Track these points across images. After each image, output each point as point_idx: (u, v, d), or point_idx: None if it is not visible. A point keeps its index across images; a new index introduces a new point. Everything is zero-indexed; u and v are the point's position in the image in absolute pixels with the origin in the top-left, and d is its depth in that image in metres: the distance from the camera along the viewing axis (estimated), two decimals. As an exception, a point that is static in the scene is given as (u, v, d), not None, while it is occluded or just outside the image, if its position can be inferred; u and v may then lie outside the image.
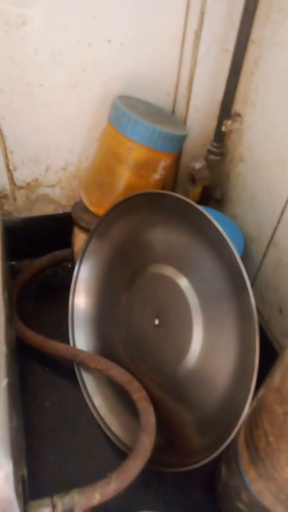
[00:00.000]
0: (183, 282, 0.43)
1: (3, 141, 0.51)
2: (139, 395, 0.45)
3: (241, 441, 0.34)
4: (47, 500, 0.35)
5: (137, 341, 0.48)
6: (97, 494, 0.36)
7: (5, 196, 0.57)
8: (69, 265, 0.67)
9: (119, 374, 0.47)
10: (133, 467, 0.38)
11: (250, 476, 0.32)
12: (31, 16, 0.42)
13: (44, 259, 0.63)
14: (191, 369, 0.42)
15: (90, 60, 0.47)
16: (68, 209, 0.62)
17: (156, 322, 0.46)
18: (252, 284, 0.53)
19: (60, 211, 0.62)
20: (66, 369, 0.54)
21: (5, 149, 0.52)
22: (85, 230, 0.54)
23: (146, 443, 0.40)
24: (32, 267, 0.62)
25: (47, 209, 0.62)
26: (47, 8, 0.42)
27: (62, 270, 0.67)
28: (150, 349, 0.47)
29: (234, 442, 0.36)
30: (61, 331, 0.56)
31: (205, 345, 0.41)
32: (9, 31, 0.43)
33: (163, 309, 0.45)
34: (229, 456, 0.38)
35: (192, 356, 0.42)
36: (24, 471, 0.39)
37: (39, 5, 0.42)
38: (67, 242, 0.61)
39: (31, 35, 0.44)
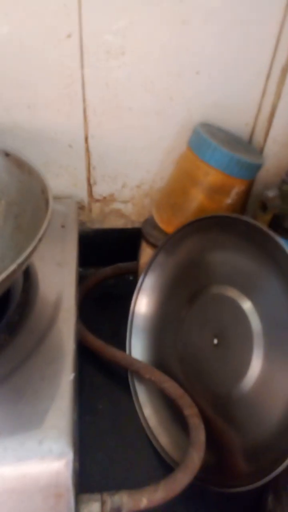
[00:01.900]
0: (247, 304, 0.44)
1: (89, 157, 0.55)
2: (190, 411, 0.46)
3: (294, 470, 0.34)
4: (97, 496, 0.36)
5: (193, 358, 0.49)
6: (145, 499, 0.37)
7: (82, 208, 0.62)
8: (131, 278, 0.70)
9: (172, 388, 0.48)
10: (181, 479, 0.39)
11: (301, 506, 0.32)
12: (129, 48, 0.47)
13: (109, 270, 0.66)
14: (246, 392, 0.43)
15: (178, 89, 0.51)
16: (137, 225, 0.66)
17: (215, 341, 0.47)
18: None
19: (129, 226, 0.66)
20: (120, 375, 0.56)
21: (89, 165, 0.56)
22: (152, 245, 0.57)
23: (195, 458, 0.41)
24: (96, 276, 0.66)
25: (118, 223, 0.66)
26: (144, 41, 0.47)
27: (124, 282, 0.70)
28: (206, 368, 0.48)
29: (285, 471, 0.36)
30: (118, 340, 0.58)
31: (264, 371, 0.42)
32: (109, 59, 0.47)
33: (224, 330, 0.46)
34: (278, 484, 0.38)
35: (249, 380, 0.43)
36: (77, 465, 0.41)
37: (138, 38, 0.46)
38: (131, 255, 0.64)
39: (127, 64, 0.48)
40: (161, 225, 0.55)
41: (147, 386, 0.53)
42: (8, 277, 0.28)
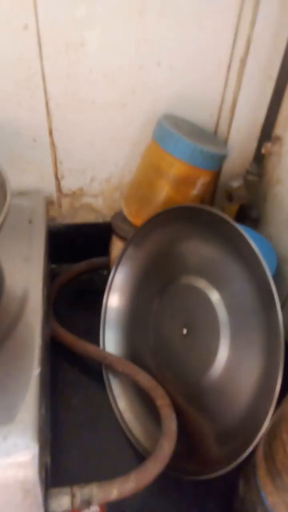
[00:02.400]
0: (214, 295, 0.45)
1: (55, 151, 0.55)
2: (162, 402, 0.46)
3: (260, 453, 0.34)
4: (66, 489, 0.36)
5: (164, 349, 0.50)
6: (115, 490, 0.37)
7: (51, 203, 0.61)
8: (105, 273, 0.70)
9: (145, 379, 0.48)
10: (152, 469, 0.39)
11: (267, 489, 0.33)
12: (89, 39, 0.46)
13: (82, 265, 0.66)
14: (215, 380, 0.43)
15: (140, 81, 0.51)
16: (108, 219, 0.65)
17: (185, 331, 0.47)
18: (284, 304, 0.53)
19: (100, 220, 0.66)
20: (94, 370, 0.56)
21: (55, 159, 0.56)
22: (123, 239, 0.57)
23: (166, 448, 0.41)
24: (70, 272, 0.65)
25: (89, 218, 0.65)
26: (103, 33, 0.46)
27: (98, 277, 0.70)
28: (176, 358, 0.48)
29: (253, 456, 0.37)
30: (92, 334, 0.58)
31: (231, 358, 0.42)
32: (68, 51, 0.47)
33: (192, 320, 0.47)
34: (248, 471, 0.39)
35: (217, 368, 0.43)
36: (48, 459, 0.41)
37: (97, 30, 0.46)
38: (104, 250, 0.64)
39: (88, 56, 0.48)
40: (130, 218, 0.55)
41: (121, 379, 0.54)
42: None
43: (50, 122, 0.52)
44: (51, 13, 0.43)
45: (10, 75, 0.47)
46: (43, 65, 0.47)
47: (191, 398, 0.46)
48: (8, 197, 0.35)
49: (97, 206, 0.64)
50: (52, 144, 0.54)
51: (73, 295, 0.68)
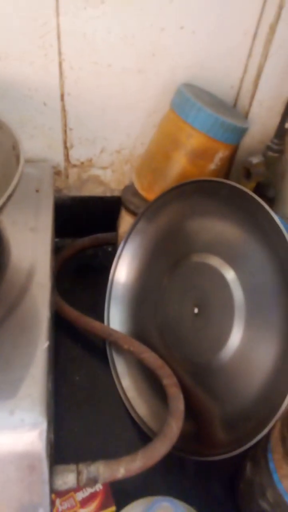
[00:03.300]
0: (229, 273, 0.43)
1: (65, 117, 0.52)
2: (169, 381, 0.44)
3: (276, 435, 0.33)
4: (72, 466, 0.35)
5: (173, 328, 0.48)
6: (122, 469, 0.36)
7: (58, 173, 0.59)
8: (109, 249, 0.68)
9: (151, 358, 0.47)
10: (160, 448, 0.38)
11: (282, 472, 0.32)
12: (110, -5, 0.43)
13: (87, 240, 0.64)
14: (227, 361, 0.42)
15: (160, 45, 0.48)
16: (116, 193, 0.63)
17: (196, 311, 0.45)
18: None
19: (108, 194, 0.63)
20: (97, 347, 0.54)
21: (65, 125, 0.53)
22: (132, 213, 0.55)
23: (174, 427, 0.40)
24: (74, 246, 0.63)
25: (96, 191, 0.63)
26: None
27: (102, 252, 0.68)
28: (186, 337, 0.46)
29: (265, 438, 0.36)
30: (96, 311, 0.56)
31: (245, 339, 0.41)
32: (87, 8, 0.43)
33: (204, 299, 0.45)
34: (257, 452, 0.38)
35: (230, 349, 0.42)
36: (52, 436, 0.40)
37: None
38: (110, 225, 0.62)
39: (107, 14, 0.44)
40: (142, 192, 0.53)
41: (125, 357, 0.52)
42: None
43: (63, 85, 0.49)
44: None
45: (23, 32, 0.44)
46: (59, 21, 0.44)
47: (199, 378, 0.45)
48: (21, 160, 0.33)
49: (105, 178, 0.61)
50: (63, 109, 0.51)
51: (76, 271, 0.66)
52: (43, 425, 0.31)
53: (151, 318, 0.51)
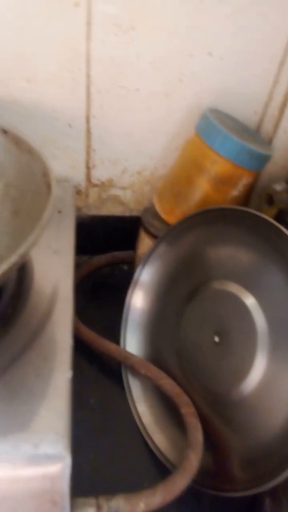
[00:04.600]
0: (251, 301, 0.43)
1: (89, 139, 0.52)
2: (187, 410, 0.44)
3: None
4: (92, 500, 0.34)
5: (192, 355, 0.48)
6: (142, 504, 0.35)
7: (78, 192, 0.59)
8: (126, 267, 0.68)
9: (169, 385, 0.46)
10: (179, 482, 0.37)
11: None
12: (140, 22, 0.43)
13: (103, 258, 0.64)
14: (248, 393, 0.41)
15: (188, 70, 0.48)
16: (135, 213, 0.63)
17: (216, 339, 0.45)
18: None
19: (127, 214, 0.63)
20: (113, 369, 0.54)
21: (89, 146, 0.53)
22: (152, 236, 0.55)
23: (193, 460, 0.39)
24: (90, 264, 0.63)
25: (115, 210, 0.63)
26: (157, 16, 0.43)
27: (119, 271, 0.68)
28: (205, 366, 0.46)
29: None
30: (111, 331, 0.56)
31: (268, 371, 0.40)
32: (117, 33, 0.44)
33: (225, 327, 0.45)
34: (277, 489, 0.37)
35: (252, 381, 0.41)
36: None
37: (150, 12, 0.43)
38: (128, 244, 0.61)
39: (137, 40, 0.45)
40: (163, 215, 0.53)
41: (141, 381, 0.52)
42: (7, 271, 0.25)
43: (89, 107, 0.49)
44: (104, -10, 0.40)
45: (54, 55, 0.44)
46: (89, 46, 0.44)
47: (218, 409, 0.44)
48: (53, 188, 0.32)
49: (125, 198, 0.61)
50: (88, 131, 0.51)
51: (91, 289, 0.65)
52: (67, 459, 0.30)
53: (169, 344, 0.50)
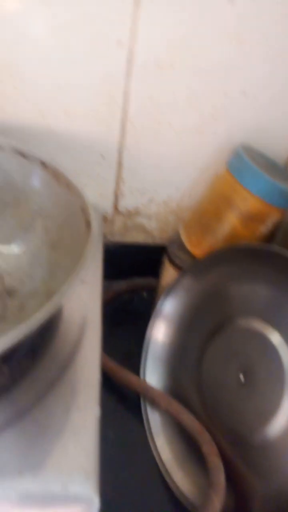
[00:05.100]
0: (277, 339, 0.42)
1: (120, 170, 0.53)
2: (209, 449, 0.43)
3: None
4: None
5: (215, 393, 0.47)
6: None
7: (104, 219, 0.59)
8: (145, 295, 0.68)
9: (190, 421, 0.46)
10: (203, 528, 0.36)
11: None
12: (180, 61, 0.44)
13: (123, 284, 0.64)
14: (273, 437, 0.41)
15: (222, 108, 0.49)
16: (158, 241, 0.63)
17: (241, 378, 0.44)
18: None
19: (150, 242, 0.63)
20: (131, 400, 0.53)
21: (119, 177, 0.54)
22: (177, 267, 0.55)
23: (215, 502, 0.39)
24: (111, 290, 0.63)
25: (139, 238, 0.63)
26: (195, 56, 0.44)
27: (138, 298, 0.68)
28: (228, 404, 0.45)
29: None
30: (129, 360, 0.55)
31: (296, 416, 0.39)
32: (157, 71, 0.45)
33: (251, 366, 0.44)
34: None
35: (278, 423, 0.40)
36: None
37: (190, 51, 0.44)
38: (149, 272, 0.62)
39: (175, 78, 0.45)
40: (189, 246, 0.53)
41: (161, 414, 0.51)
42: (45, 318, 0.25)
43: (123, 140, 0.50)
44: (148, 32, 0.41)
45: (92, 90, 0.45)
46: (128, 83, 0.45)
47: (241, 450, 0.43)
48: (92, 226, 0.33)
49: (149, 227, 0.62)
50: (119, 162, 0.52)
51: (110, 315, 0.65)
52: (95, 501, 0.30)
53: (191, 379, 0.50)
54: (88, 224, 0.33)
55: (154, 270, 0.62)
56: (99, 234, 0.52)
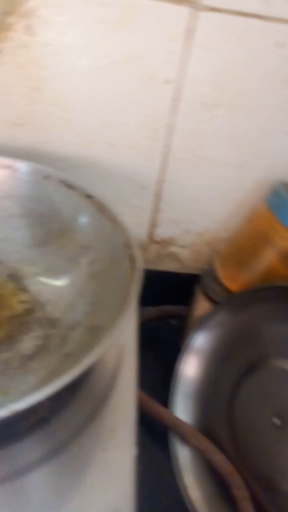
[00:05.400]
0: None
1: (158, 201, 0.53)
2: (240, 493, 0.42)
3: None
4: None
5: (247, 433, 0.46)
6: None
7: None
8: (174, 322, 0.67)
9: (221, 462, 0.45)
10: None
11: None
12: (227, 101, 0.45)
13: (152, 311, 0.64)
14: (310, 486, 0.39)
15: (263, 147, 0.49)
16: (190, 270, 0.63)
17: (277, 422, 0.43)
18: None
19: (182, 271, 0.63)
20: (160, 432, 0.52)
21: (157, 208, 0.54)
22: (210, 299, 0.54)
23: None
24: (140, 316, 0.63)
25: (171, 266, 0.63)
26: (243, 96, 0.45)
27: (166, 325, 0.67)
28: (261, 447, 0.44)
29: None
30: (157, 389, 0.55)
31: None
32: (203, 110, 0.45)
33: (286, 409, 0.43)
34: None
35: (315, 473, 0.39)
36: None
37: (238, 92, 0.44)
38: (179, 300, 0.62)
39: (220, 117, 0.46)
40: (225, 281, 0.53)
41: (190, 451, 0.50)
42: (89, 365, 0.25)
43: (164, 173, 0.50)
44: (197, 72, 0.42)
45: (137, 124, 0.46)
46: (173, 119, 0.46)
47: (273, 497, 0.42)
48: (138, 264, 0.33)
49: (182, 256, 0.62)
50: (158, 193, 0.53)
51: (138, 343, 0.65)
52: None
53: (222, 418, 0.49)
54: (133, 260, 0.33)
55: (184, 298, 0.61)
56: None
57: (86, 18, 0.38)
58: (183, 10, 0.38)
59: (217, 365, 0.52)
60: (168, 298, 0.64)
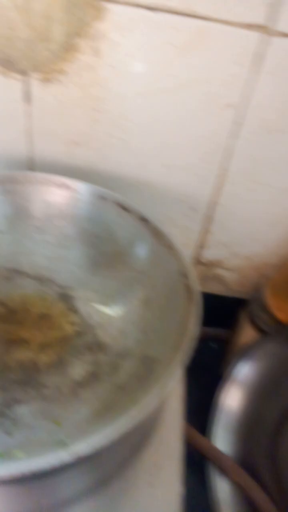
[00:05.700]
0: None
1: (209, 222, 0.52)
2: (284, 538, 0.40)
3: None
4: None
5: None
6: None
7: (184, 268, 0.58)
8: (211, 344, 0.66)
9: (262, 501, 0.43)
10: None
11: None
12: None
13: (193, 332, 0.62)
14: None
15: None
16: (235, 294, 0.62)
17: None
18: None
19: (227, 294, 0.62)
20: (196, 462, 0.51)
21: (206, 229, 0.53)
22: (257, 328, 0.53)
23: None
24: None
25: (216, 289, 0.62)
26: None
27: (205, 348, 0.66)
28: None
29: None
30: (194, 415, 0.53)
31: None
32: (265, 135, 0.44)
33: None
34: None
35: None
36: None
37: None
38: (219, 323, 0.60)
39: (281, 143, 0.44)
40: (274, 310, 0.51)
41: (230, 485, 0.48)
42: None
43: (218, 196, 0.49)
44: (263, 96, 0.41)
45: (194, 147, 0.45)
46: (233, 143, 0.44)
47: None
48: (195, 294, 0.32)
49: (228, 279, 0.60)
50: (209, 215, 0.51)
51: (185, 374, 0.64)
52: None
53: (265, 454, 0.47)
54: (190, 291, 0.32)
55: (226, 322, 0.60)
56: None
57: (155, 41, 0.38)
58: (253, 35, 0.37)
59: (262, 398, 0.50)
60: (209, 320, 0.62)
